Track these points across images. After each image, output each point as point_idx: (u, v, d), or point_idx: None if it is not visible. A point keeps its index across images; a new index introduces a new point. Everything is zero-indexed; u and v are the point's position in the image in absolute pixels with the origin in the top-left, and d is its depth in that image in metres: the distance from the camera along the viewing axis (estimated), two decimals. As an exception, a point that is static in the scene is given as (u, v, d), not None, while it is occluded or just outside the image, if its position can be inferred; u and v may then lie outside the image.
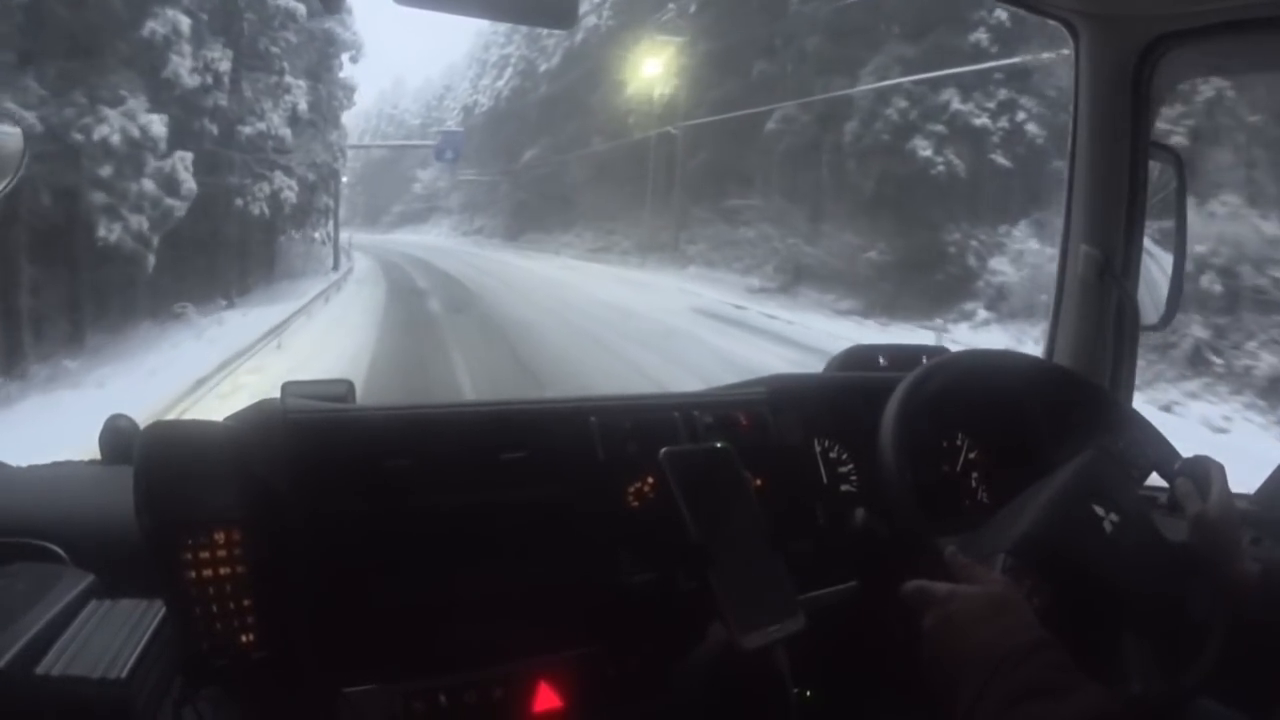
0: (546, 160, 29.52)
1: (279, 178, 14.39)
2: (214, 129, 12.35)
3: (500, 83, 33.45)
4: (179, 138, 10.35)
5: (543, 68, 30.18)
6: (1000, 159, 13.34)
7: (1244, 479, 1.03)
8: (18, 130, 0.96)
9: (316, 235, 19.24)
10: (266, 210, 14.17)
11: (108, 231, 9.31)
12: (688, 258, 20.14)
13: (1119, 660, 0.81)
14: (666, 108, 22.07)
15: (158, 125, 9.76)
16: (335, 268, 20.15)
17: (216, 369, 8.69)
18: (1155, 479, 1.01)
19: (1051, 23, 1.24)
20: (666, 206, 21.64)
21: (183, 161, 10.30)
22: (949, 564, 0.79)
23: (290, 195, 14.78)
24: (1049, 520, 0.85)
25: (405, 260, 24.80)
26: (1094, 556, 0.85)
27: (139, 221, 9.61)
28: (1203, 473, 0.93)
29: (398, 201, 45.64)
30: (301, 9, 13.97)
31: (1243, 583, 0.85)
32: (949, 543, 0.85)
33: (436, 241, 35.64)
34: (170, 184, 10.12)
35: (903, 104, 14.02)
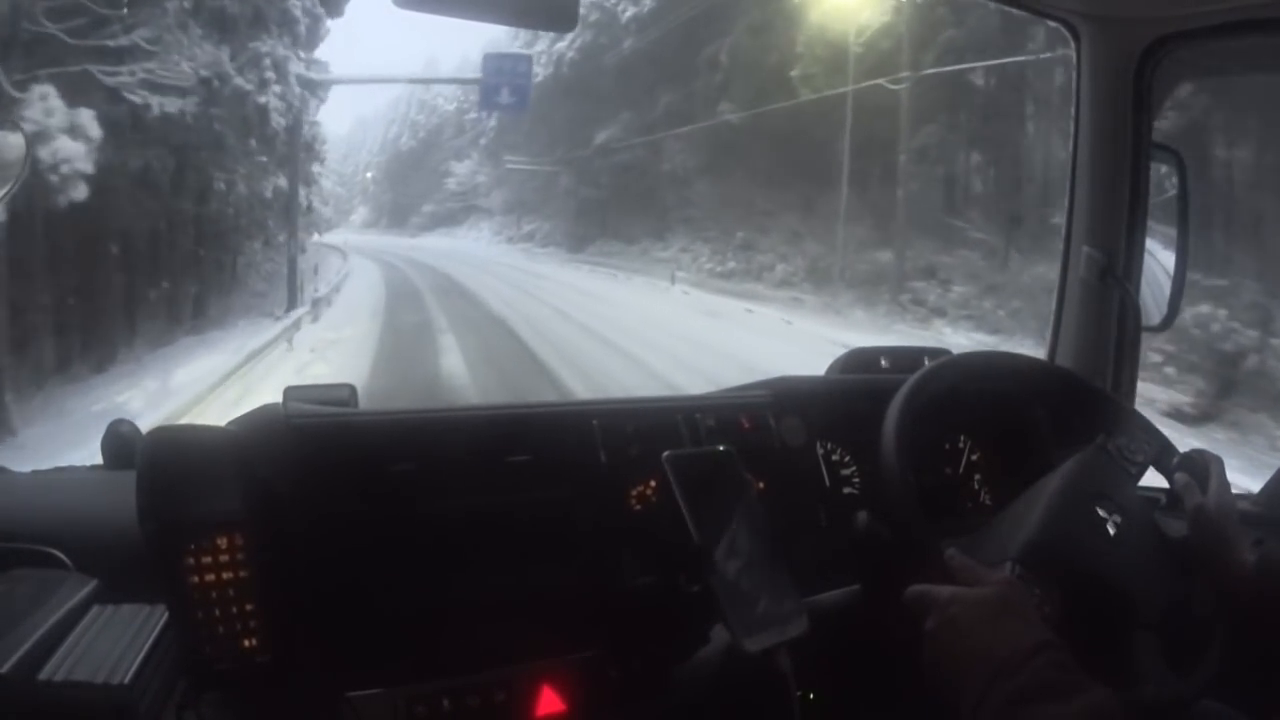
0: (629, 143, 20.53)
1: (43, 103, 5.56)
2: None
3: (562, 44, 23.66)
4: None
5: (627, 14, 20.85)
6: None
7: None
8: (20, 136, 0.97)
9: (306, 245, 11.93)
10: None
11: None
12: (928, 307, 11.34)
13: (1131, 662, 0.81)
14: (868, 51, 12.85)
15: None
16: (292, 306, 11.88)
17: None
18: (1154, 477, 1.01)
19: (1052, 24, 1.24)
20: (874, 213, 12.52)
21: None
22: (950, 565, 0.79)
23: (73, 152, 5.81)
24: (1053, 525, 0.85)
25: (430, 282, 16.06)
26: (1100, 559, 0.85)
27: None
28: (1201, 467, 0.93)
29: (429, 200, 39.03)
30: None
31: (1240, 575, 0.85)
32: (951, 545, 0.85)
33: (474, 249, 27.97)
34: None
35: None
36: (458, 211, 35.82)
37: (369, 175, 52.28)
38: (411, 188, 41.23)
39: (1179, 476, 0.93)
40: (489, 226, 32.33)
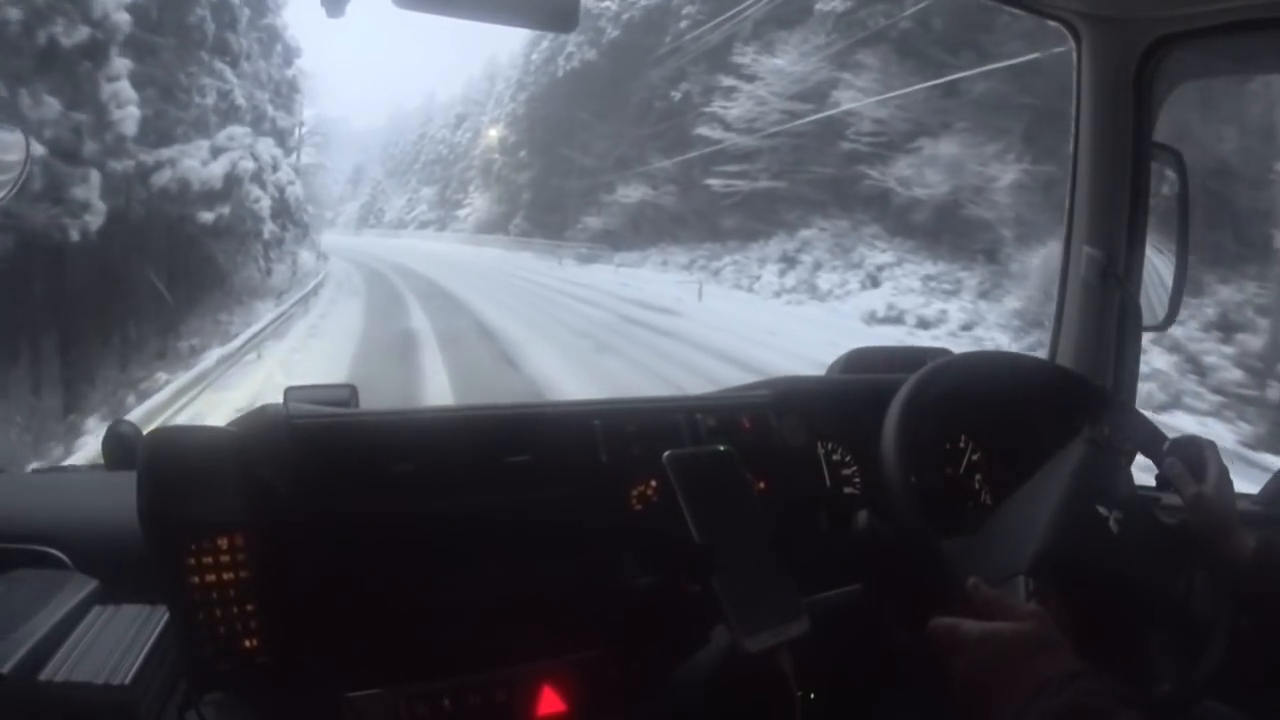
0: None
1: None
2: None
3: None
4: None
5: None
6: None
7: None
8: (20, 136, 0.96)
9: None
10: None
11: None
12: None
13: (1146, 660, 0.81)
14: None
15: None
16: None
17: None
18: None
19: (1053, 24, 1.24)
20: None
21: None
22: (972, 595, 0.77)
23: None
24: (1059, 533, 0.84)
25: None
26: (1107, 559, 0.85)
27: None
28: (1195, 452, 0.93)
29: (629, 180, 17.55)
30: None
31: (1240, 559, 0.85)
32: (951, 545, 0.85)
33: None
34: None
35: None
36: (750, 215, 14.10)
37: (493, 134, 28.63)
38: (587, 152, 19.03)
39: (1170, 463, 0.93)
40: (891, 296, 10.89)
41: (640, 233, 17.00)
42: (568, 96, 20.78)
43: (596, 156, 19.30)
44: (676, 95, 17.18)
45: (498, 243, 24.04)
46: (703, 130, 15.70)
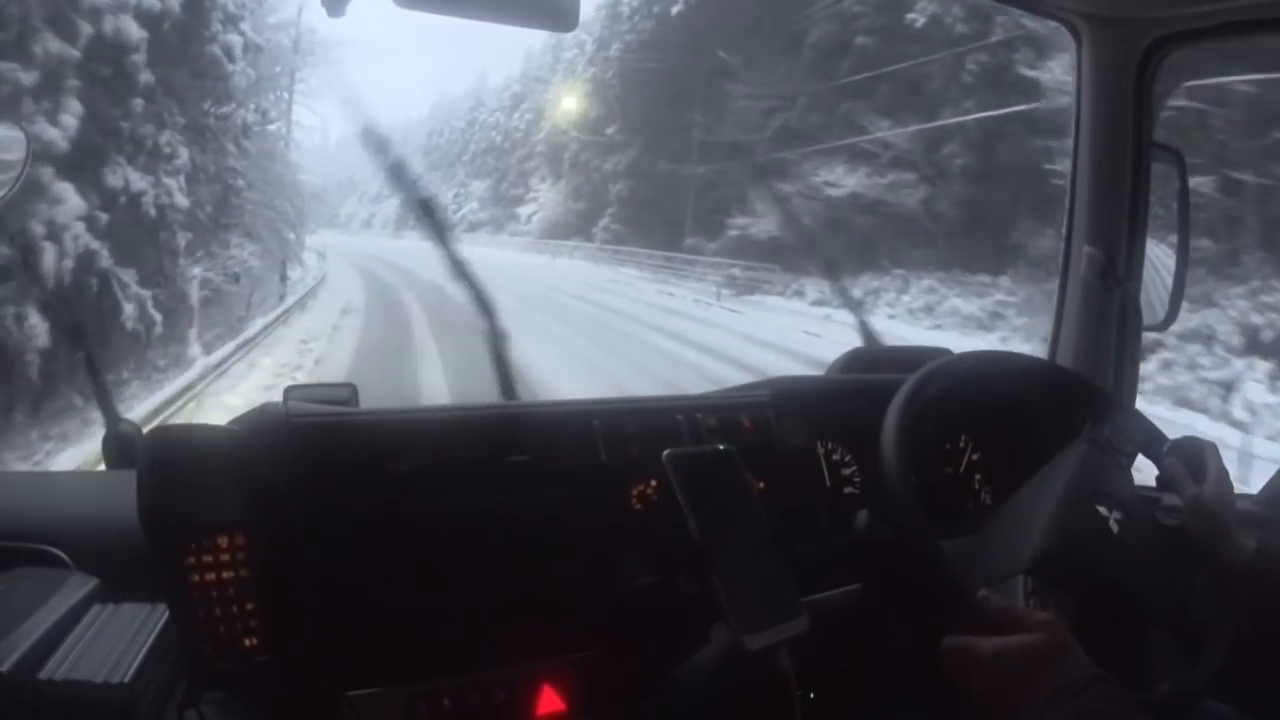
0: None
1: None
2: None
3: None
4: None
5: None
6: None
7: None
8: (20, 134, 0.96)
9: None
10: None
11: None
12: None
13: (1146, 660, 0.81)
14: None
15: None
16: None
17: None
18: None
19: (1053, 24, 1.24)
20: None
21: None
22: (981, 608, 0.76)
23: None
24: (1060, 532, 0.85)
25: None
26: (1107, 558, 0.85)
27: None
28: (1194, 454, 0.93)
29: (841, 157, 10.83)
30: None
31: (1238, 562, 0.85)
32: (951, 545, 0.85)
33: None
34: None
35: None
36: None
37: (569, 106, 20.76)
38: (724, 119, 12.96)
39: (1170, 463, 0.93)
40: None
41: (832, 248, 10.15)
42: (686, 44, 13.55)
43: (741, 127, 12.04)
44: (918, 21, 9.73)
45: (580, 252, 17.03)
46: (1025, 70, 8.03)
